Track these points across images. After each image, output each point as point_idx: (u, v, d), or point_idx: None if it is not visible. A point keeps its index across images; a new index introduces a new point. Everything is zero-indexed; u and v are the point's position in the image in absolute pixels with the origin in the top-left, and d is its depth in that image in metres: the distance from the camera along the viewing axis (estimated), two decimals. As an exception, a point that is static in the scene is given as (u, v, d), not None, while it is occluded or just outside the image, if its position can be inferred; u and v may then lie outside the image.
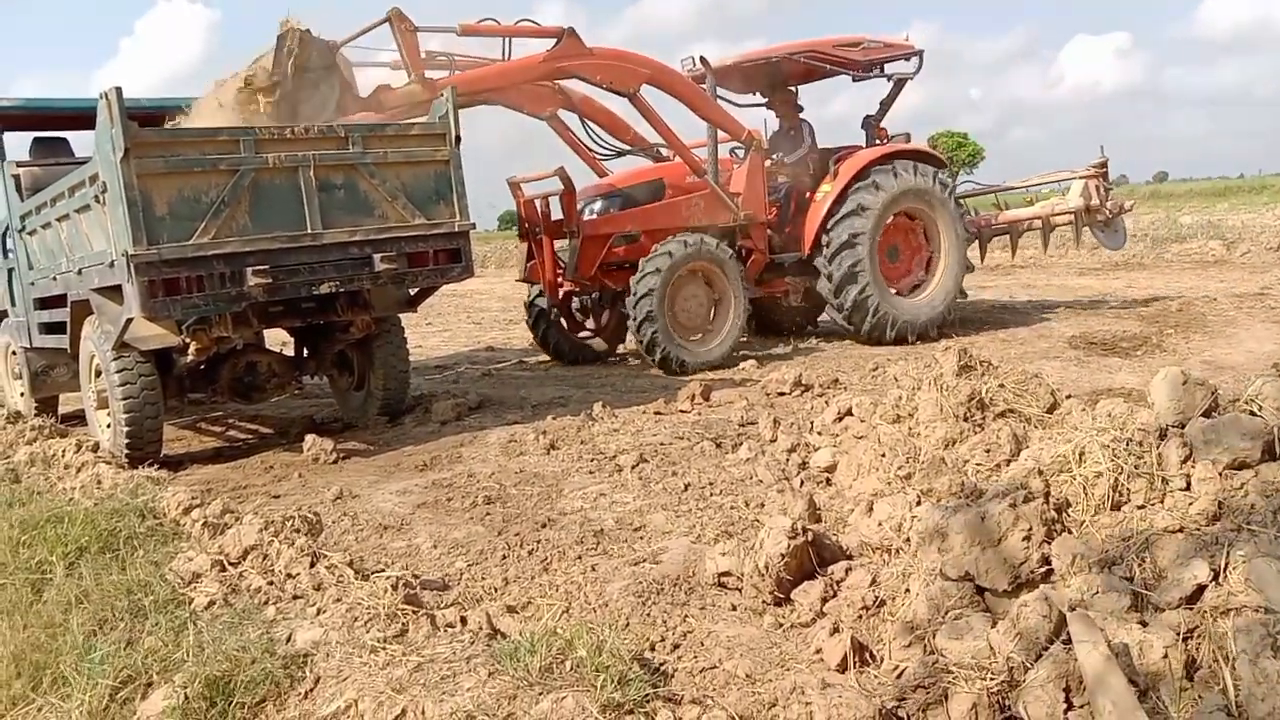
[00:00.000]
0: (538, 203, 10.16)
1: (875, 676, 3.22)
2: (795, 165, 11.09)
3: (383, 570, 4.00)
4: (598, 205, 10.27)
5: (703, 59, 10.36)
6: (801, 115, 11.49)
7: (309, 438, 7.00)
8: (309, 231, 6.69)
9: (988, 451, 4.32)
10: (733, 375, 9.26)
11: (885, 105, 11.39)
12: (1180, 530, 2.97)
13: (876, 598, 3.62)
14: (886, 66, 11.16)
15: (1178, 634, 2.68)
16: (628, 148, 10.70)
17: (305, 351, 8.34)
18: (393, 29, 8.26)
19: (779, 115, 11.53)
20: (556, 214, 9.99)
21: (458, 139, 7.25)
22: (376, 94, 8.34)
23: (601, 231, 9.91)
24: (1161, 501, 3.16)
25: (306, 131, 6.79)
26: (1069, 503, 3.33)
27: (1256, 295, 12.43)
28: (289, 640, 3.40)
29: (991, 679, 2.86)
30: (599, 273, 9.99)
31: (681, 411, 7.59)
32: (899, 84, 11.27)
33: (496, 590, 4.17)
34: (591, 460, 6.13)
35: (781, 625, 3.70)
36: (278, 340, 8.99)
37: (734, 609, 3.88)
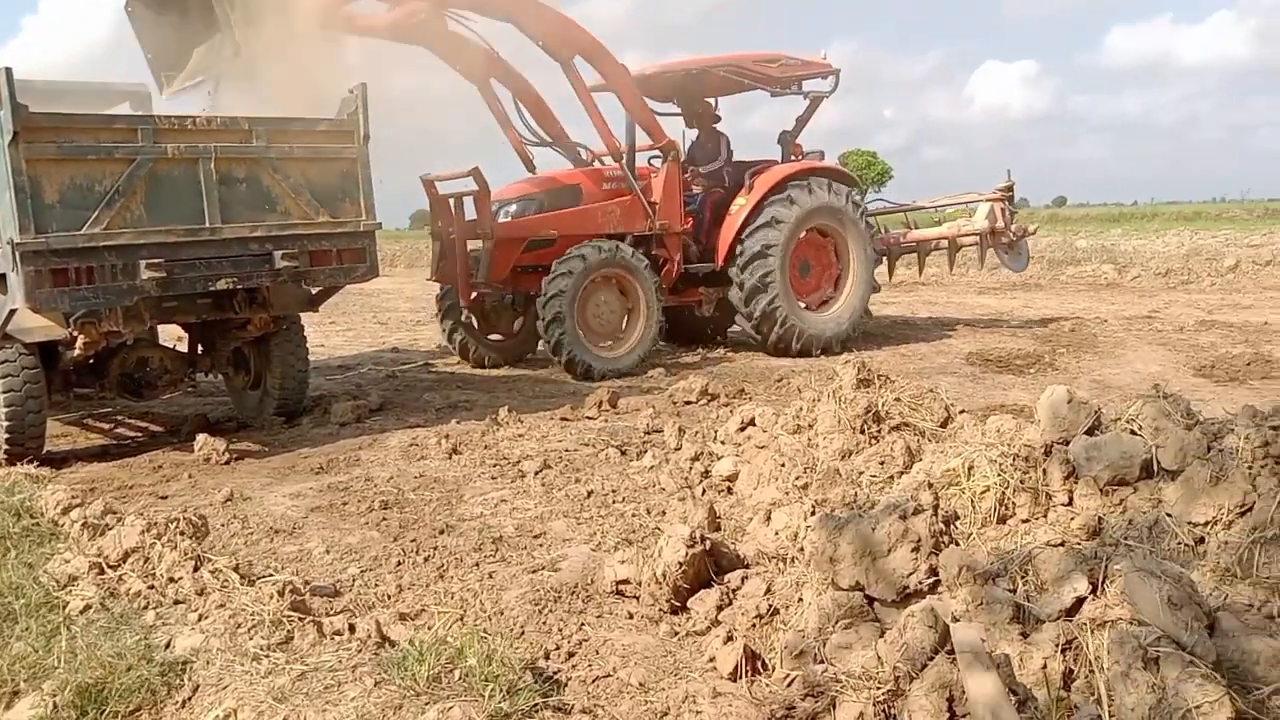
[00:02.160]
0: (451, 202, 10.03)
1: (766, 685, 3.24)
2: (711, 176, 11.16)
3: (271, 575, 3.90)
4: (513, 208, 10.16)
5: (622, 66, 10.30)
6: (718, 127, 11.56)
7: (201, 437, 6.79)
8: (207, 225, 6.50)
9: (882, 463, 4.40)
10: (640, 383, 9.28)
11: (801, 122, 11.53)
12: (1062, 544, 3.06)
13: (770, 606, 3.65)
14: (804, 84, 11.30)
15: (1057, 645, 2.75)
16: (548, 140, 10.51)
17: (200, 348, 8.08)
18: None
19: (696, 126, 11.58)
20: (470, 214, 9.87)
21: (366, 137, 7.12)
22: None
23: (515, 235, 9.81)
24: (1045, 516, 3.26)
25: (209, 123, 6.59)
26: (957, 515, 3.41)
27: (1145, 318, 12.95)
28: (168, 647, 3.28)
29: (878, 688, 2.90)
30: (511, 276, 9.93)
31: (588, 418, 7.57)
32: (815, 102, 11.42)
33: (390, 597, 4.09)
34: (494, 466, 6.06)
35: (677, 634, 3.71)
36: (172, 336, 8.70)
37: (631, 617, 3.87)
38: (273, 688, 2.80)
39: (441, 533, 4.84)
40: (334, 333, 13.74)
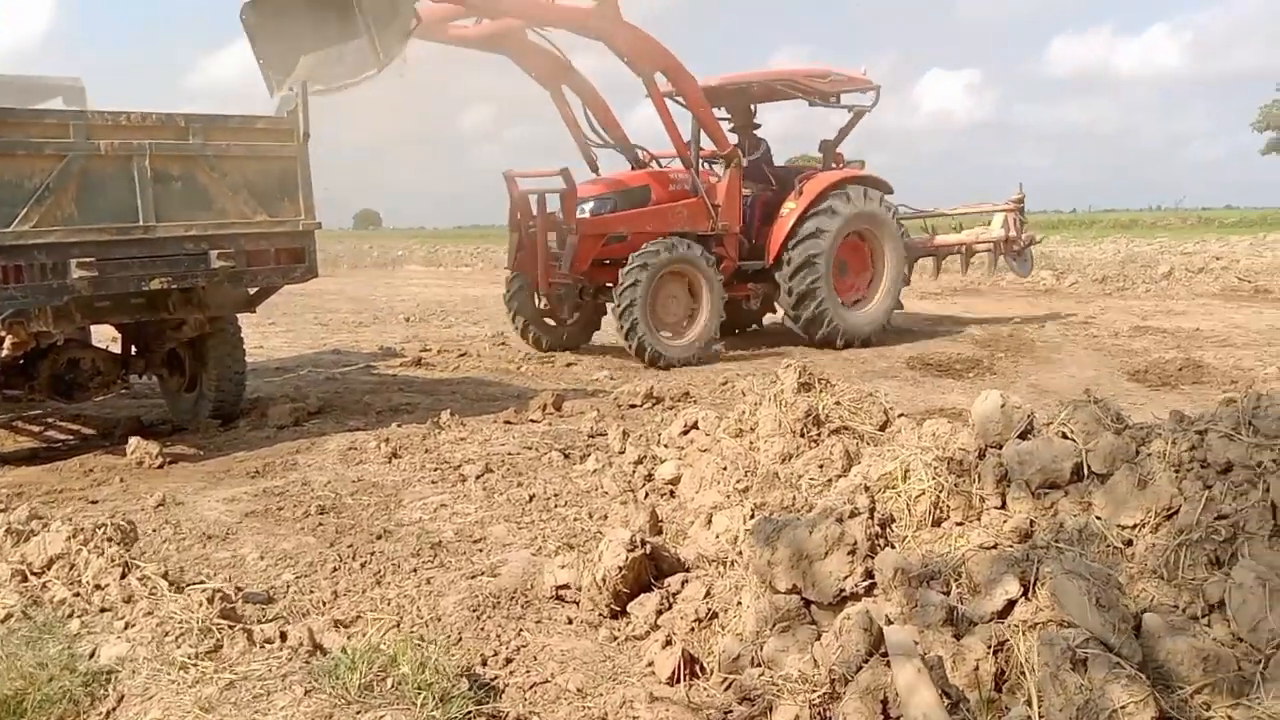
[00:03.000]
0: (533, 198, 10.77)
1: (705, 689, 3.24)
2: (759, 179, 11.96)
3: (202, 582, 3.81)
4: (590, 205, 10.76)
5: (694, 80, 10.96)
6: (757, 132, 12.27)
7: (133, 440, 6.62)
8: (141, 224, 6.35)
9: (821, 467, 4.43)
10: (586, 385, 9.26)
11: (843, 132, 12.29)
12: (994, 547, 3.10)
13: (710, 610, 3.65)
14: (844, 97, 12.14)
15: (989, 647, 2.78)
16: (611, 142, 11.28)
17: (134, 349, 7.89)
18: None
19: (739, 131, 12.13)
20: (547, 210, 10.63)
21: (306, 135, 7.02)
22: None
23: (597, 231, 10.54)
24: (978, 519, 3.29)
25: (143, 119, 6.44)
26: (893, 518, 3.44)
27: (1081, 324, 13.21)
28: (93, 656, 3.20)
29: (814, 692, 2.92)
30: (590, 269, 10.64)
31: (532, 421, 7.52)
32: (858, 115, 12.17)
33: (325, 604, 4.02)
34: (435, 470, 6.00)
35: (616, 638, 3.70)
36: (105, 336, 8.49)
37: (570, 622, 3.86)
38: (200, 697, 2.74)
39: (379, 538, 4.77)
40: (273, 334, 13.52)
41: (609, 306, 10.89)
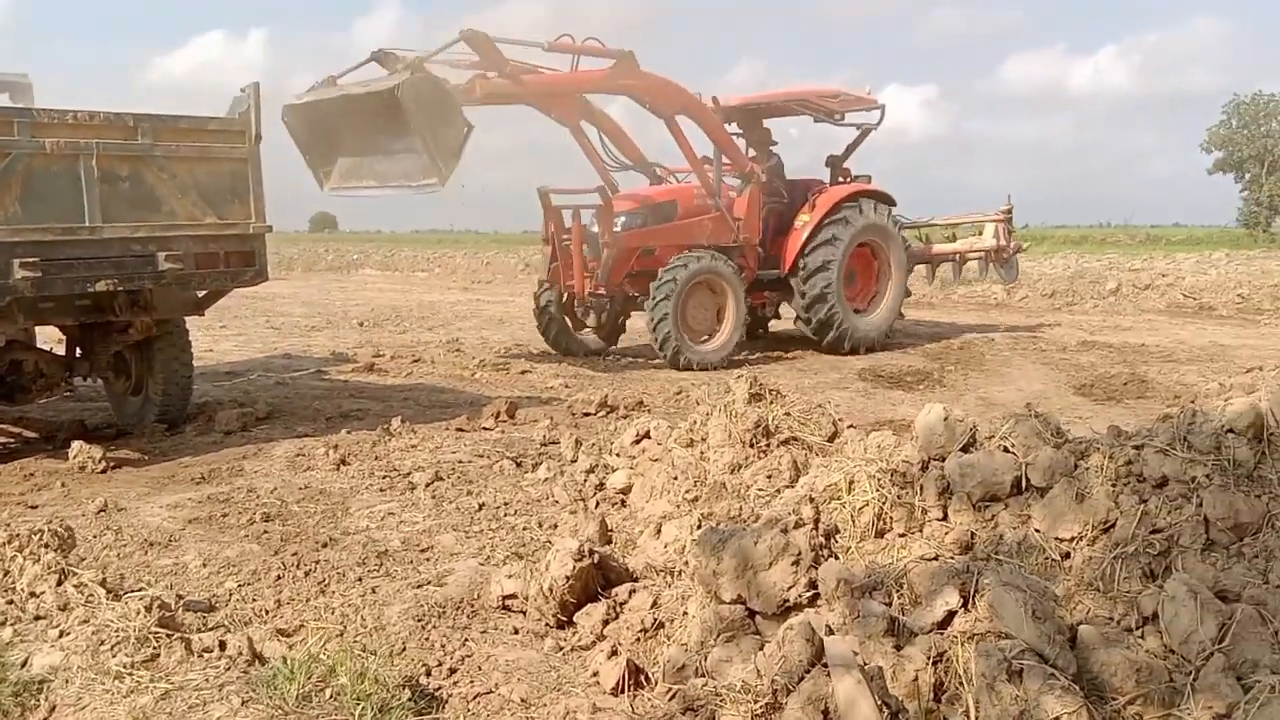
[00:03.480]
0: (567, 213, 11.30)
1: (649, 699, 3.24)
2: (772, 193, 12.43)
3: (141, 590, 3.75)
4: (622, 220, 11.28)
5: (715, 99, 11.76)
6: (771, 147, 12.74)
7: (76, 444, 6.50)
8: (87, 224, 6.25)
9: (769, 477, 4.45)
10: (540, 394, 9.23)
11: (850, 148, 12.99)
12: (936, 558, 3.14)
13: (656, 620, 3.66)
14: (851, 116, 12.77)
15: (928, 658, 2.81)
16: (630, 164, 11.87)
17: (79, 351, 7.75)
18: (472, 44, 9.51)
19: (755, 145, 12.61)
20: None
21: (258, 137, 6.95)
22: (473, 83, 9.47)
23: (631, 244, 11.16)
24: (920, 530, 3.33)
25: (91, 118, 6.34)
26: (838, 529, 3.46)
27: (1030, 338, 13.41)
28: (25, 665, 3.14)
29: (756, 702, 2.93)
30: (624, 279, 11.26)
31: (484, 429, 7.49)
32: (865, 132, 12.84)
33: (267, 613, 3.98)
34: (384, 478, 5.95)
35: (562, 648, 3.69)
36: (50, 338, 8.34)
37: (516, 632, 3.84)
38: (134, 708, 2.69)
39: (324, 546, 4.72)
40: (224, 337, 13.34)
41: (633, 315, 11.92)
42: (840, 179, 12.84)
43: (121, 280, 6.42)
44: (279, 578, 4.33)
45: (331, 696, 2.68)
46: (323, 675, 2.76)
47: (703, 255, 11.06)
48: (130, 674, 2.91)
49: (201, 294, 7.23)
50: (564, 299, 11.77)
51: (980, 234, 14.42)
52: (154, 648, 3.10)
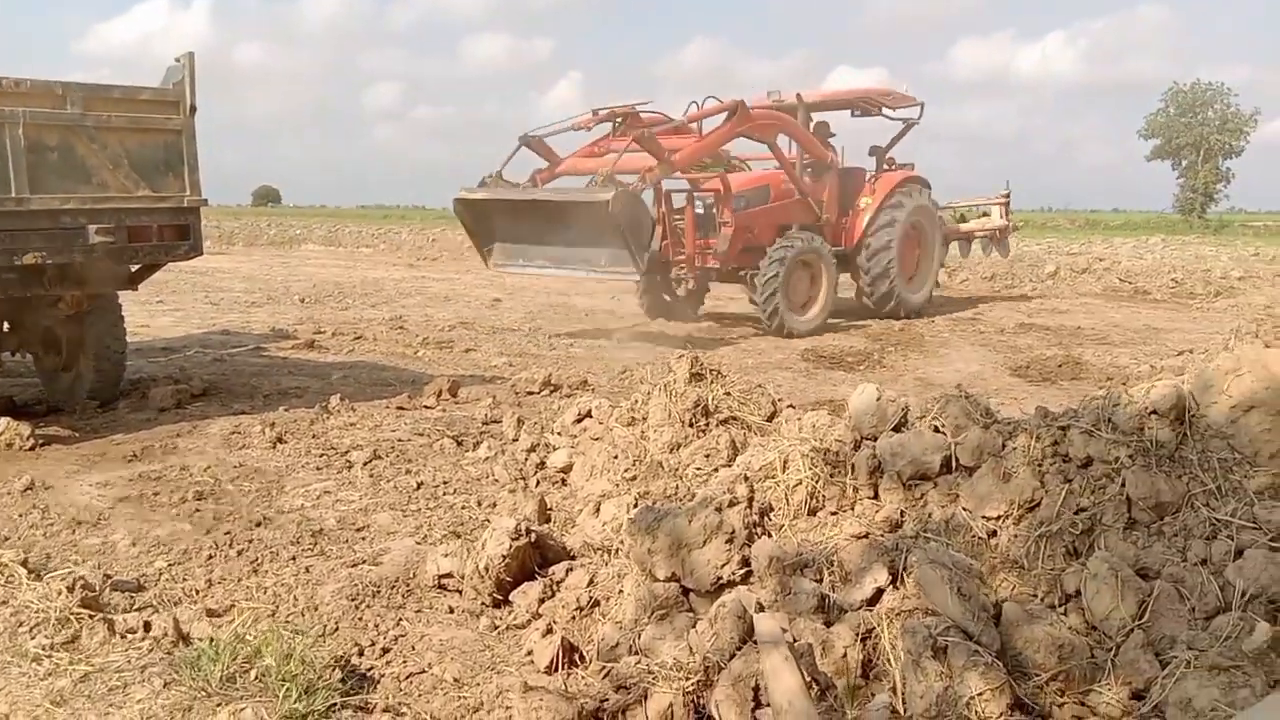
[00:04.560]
0: (678, 196, 12.67)
1: (583, 677, 3.24)
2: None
3: (66, 570, 3.66)
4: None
5: (799, 95, 13.18)
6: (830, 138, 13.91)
7: (3, 420, 6.31)
8: (13, 195, 6.06)
9: (707, 456, 4.47)
10: (484, 372, 9.17)
11: (895, 140, 14.46)
12: (866, 536, 3.17)
13: (592, 598, 3.66)
14: (898, 111, 14.32)
15: (857, 635, 2.84)
16: (812, 161, 13.39)
17: (6, 326, 7.54)
18: (640, 143, 10.74)
19: (816, 135, 13.67)
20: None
21: (193, 108, 6.78)
22: (644, 179, 10.70)
23: (744, 224, 12.25)
24: (852, 509, 3.37)
25: (16, 85, 6.14)
26: (772, 508, 3.49)
27: (969, 320, 13.60)
28: (-60, 649, 3.04)
29: (688, 679, 2.95)
30: (737, 255, 12.31)
31: (426, 407, 7.43)
32: (908, 126, 14.43)
33: (198, 593, 3.91)
34: (320, 456, 5.87)
35: (497, 627, 3.68)
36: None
37: (452, 611, 3.82)
38: (51, 690, 2.64)
39: (258, 525, 4.66)
40: (160, 312, 13.06)
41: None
42: (886, 167, 14.29)
43: (50, 253, 6.24)
44: (210, 557, 4.26)
45: (257, 678, 2.64)
46: (248, 656, 2.72)
47: (803, 236, 12.39)
48: (49, 656, 2.84)
49: (134, 268, 7.05)
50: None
51: (987, 216, 16.37)
52: (75, 629, 3.04)
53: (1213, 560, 2.82)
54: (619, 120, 11.41)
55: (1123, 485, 3.02)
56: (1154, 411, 3.13)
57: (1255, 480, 2.96)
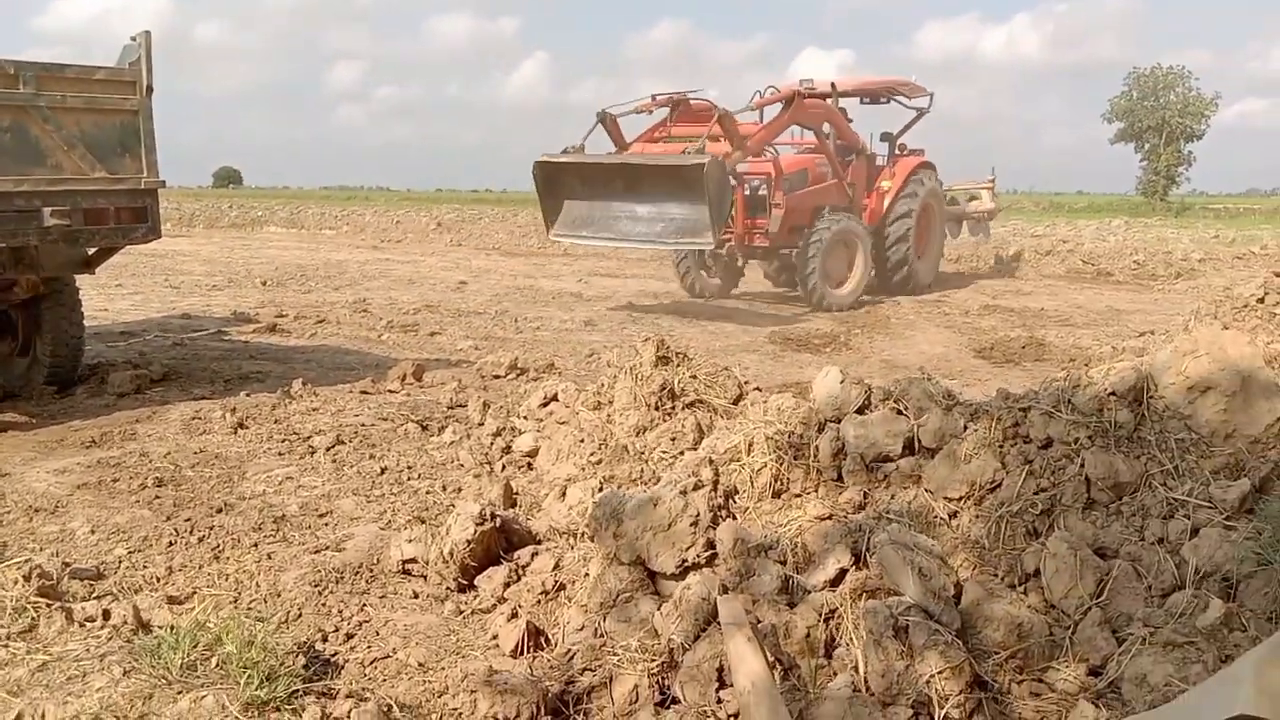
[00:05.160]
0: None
1: (548, 660, 3.25)
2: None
3: (23, 559, 3.60)
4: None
5: (833, 84, 13.82)
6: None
7: (-43, 408, 6.23)
8: (-35, 177, 5.94)
9: (673, 439, 4.48)
10: (449, 356, 9.13)
11: (907, 128, 15.45)
12: (830, 517, 3.19)
13: (557, 582, 3.66)
14: (913, 100, 15.29)
15: (820, 615, 2.86)
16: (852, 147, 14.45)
17: (-41, 311, 7.40)
18: (722, 124, 11.52)
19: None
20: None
21: (149, 89, 6.66)
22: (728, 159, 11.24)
23: (792, 205, 12.90)
24: (816, 491, 3.38)
25: (-33, 64, 6.01)
26: (737, 490, 3.50)
27: (934, 302, 13.70)
28: (-107, 640, 2.99)
29: (653, 661, 2.96)
30: (786, 234, 13.07)
31: (390, 391, 7.38)
32: (921, 114, 15.36)
33: (158, 580, 3.87)
34: (283, 441, 5.81)
35: (462, 612, 3.67)
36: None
37: (416, 597, 3.81)
38: (7, 680, 2.60)
39: (219, 511, 4.61)
40: (119, 296, 12.86)
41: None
42: (898, 152, 15.22)
43: (4, 236, 6.11)
44: (171, 544, 4.21)
45: (218, 665, 2.61)
46: (209, 643, 2.69)
47: (840, 216, 13.20)
48: (5, 646, 2.80)
49: (91, 251, 6.94)
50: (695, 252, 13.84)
51: (977, 199, 17.64)
52: (32, 618, 2.99)
53: (1169, 539, 2.86)
54: (675, 107, 12.54)
55: (1082, 466, 3.06)
56: (1113, 393, 3.17)
57: (1211, 460, 3.01)
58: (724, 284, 14.65)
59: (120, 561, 4.04)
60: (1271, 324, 8.36)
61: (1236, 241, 21.41)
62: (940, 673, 2.51)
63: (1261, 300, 9.18)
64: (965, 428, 3.27)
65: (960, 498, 3.14)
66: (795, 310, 12.89)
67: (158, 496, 4.82)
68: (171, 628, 2.88)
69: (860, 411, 3.51)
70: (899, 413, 3.42)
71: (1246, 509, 2.84)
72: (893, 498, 3.21)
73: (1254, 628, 2.53)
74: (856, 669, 2.70)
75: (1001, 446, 3.18)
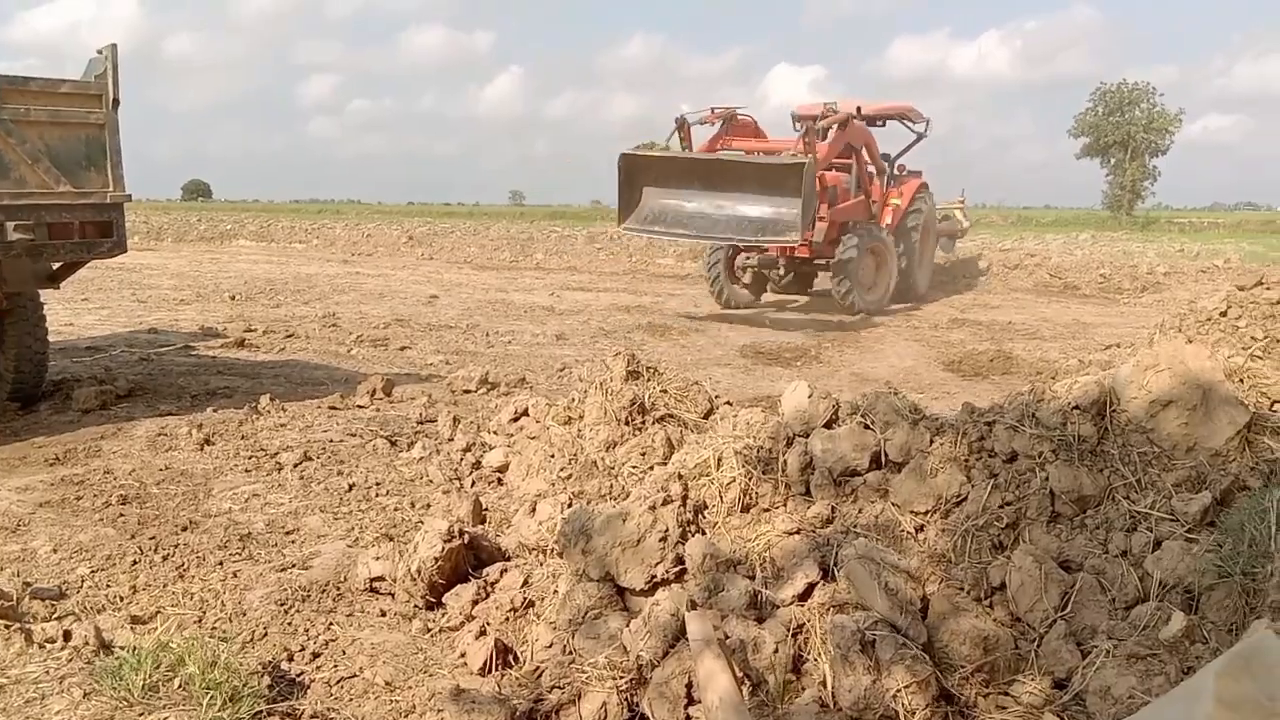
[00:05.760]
0: None
1: (516, 678, 3.23)
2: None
3: (-19, 579, 3.55)
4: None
5: (859, 107, 14.19)
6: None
7: (-83, 425, 6.12)
8: (-74, 191, 5.86)
9: (643, 454, 4.47)
10: (419, 370, 9.08)
11: (906, 149, 16.24)
12: (798, 532, 3.20)
13: (526, 599, 3.64)
14: (917, 125, 16.15)
15: (788, 630, 2.87)
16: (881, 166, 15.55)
17: (-80, 326, 7.28)
18: (805, 134, 12.57)
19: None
20: None
21: (116, 102, 6.61)
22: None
23: (834, 219, 13.82)
24: (785, 505, 3.39)
25: (-70, 78, 5.94)
26: (706, 505, 3.50)
27: (904, 315, 13.80)
28: None
29: (622, 678, 2.95)
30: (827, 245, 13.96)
31: (359, 407, 7.33)
32: (920, 137, 16.14)
33: (122, 600, 3.82)
34: (250, 458, 5.76)
35: (430, 630, 3.65)
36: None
37: (384, 615, 3.78)
38: (-37, 705, 2.55)
39: (184, 529, 4.55)
40: (86, 310, 12.72)
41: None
42: (897, 173, 15.99)
43: (-34, 251, 6.04)
44: (135, 563, 4.16)
45: (180, 686, 2.58)
46: (172, 664, 2.65)
47: (870, 229, 14.29)
48: (-38, 669, 2.75)
49: (55, 266, 6.86)
50: (726, 263, 14.78)
51: (949, 218, 18.87)
52: (-10, 640, 2.94)
53: (1132, 552, 2.89)
54: (723, 121, 13.79)
55: (1046, 479, 3.08)
56: (1076, 407, 3.19)
57: (1173, 473, 3.04)
58: (752, 294, 15.41)
59: (83, 581, 3.98)
60: (1234, 337, 8.47)
61: (1201, 255, 21.68)
62: (907, 687, 2.51)
63: (1224, 314, 9.31)
64: (931, 442, 3.29)
65: (926, 511, 3.15)
66: (832, 317, 13.71)
67: (122, 514, 4.76)
68: (133, 649, 2.84)
69: (828, 426, 3.52)
70: (866, 427, 3.43)
71: (1208, 521, 2.88)
72: (860, 512, 3.23)
73: (1215, 639, 2.55)
74: (824, 684, 2.70)
75: (967, 460, 3.21)
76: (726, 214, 12.10)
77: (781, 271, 14.92)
